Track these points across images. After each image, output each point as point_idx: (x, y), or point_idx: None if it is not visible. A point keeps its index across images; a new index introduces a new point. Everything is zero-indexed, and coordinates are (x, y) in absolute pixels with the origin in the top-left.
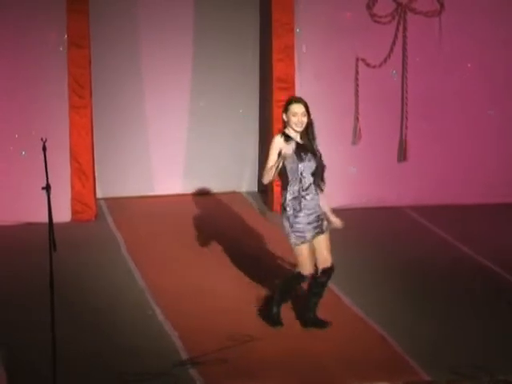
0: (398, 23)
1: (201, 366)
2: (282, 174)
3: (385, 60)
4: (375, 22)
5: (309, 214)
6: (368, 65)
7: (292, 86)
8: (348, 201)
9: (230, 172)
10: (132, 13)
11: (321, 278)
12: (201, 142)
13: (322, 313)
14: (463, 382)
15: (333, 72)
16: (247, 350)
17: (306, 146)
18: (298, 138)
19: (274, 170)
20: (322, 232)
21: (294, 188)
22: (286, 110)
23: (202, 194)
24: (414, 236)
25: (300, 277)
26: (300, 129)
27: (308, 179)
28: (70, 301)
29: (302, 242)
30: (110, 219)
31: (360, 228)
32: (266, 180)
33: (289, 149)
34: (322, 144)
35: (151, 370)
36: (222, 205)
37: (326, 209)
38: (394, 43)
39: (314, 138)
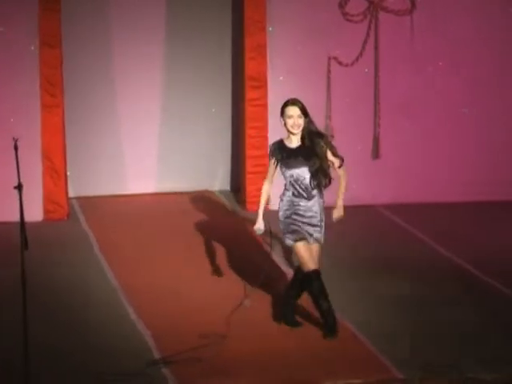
0: (370, 22)
1: (174, 366)
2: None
3: (357, 58)
4: (347, 20)
5: (304, 216)
6: (340, 63)
7: (264, 85)
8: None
9: (203, 171)
10: (104, 12)
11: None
12: (173, 141)
13: (295, 312)
14: (435, 380)
15: (305, 70)
16: (221, 349)
17: (301, 151)
18: (294, 142)
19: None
20: (317, 241)
21: (288, 193)
22: (281, 113)
23: (175, 192)
24: (388, 235)
25: (308, 275)
26: (297, 131)
27: (303, 184)
28: (42, 300)
29: (298, 240)
30: (82, 218)
31: (334, 226)
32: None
33: (280, 155)
34: None
35: (124, 369)
36: (194, 204)
37: (339, 199)
38: (365, 42)
39: (315, 138)
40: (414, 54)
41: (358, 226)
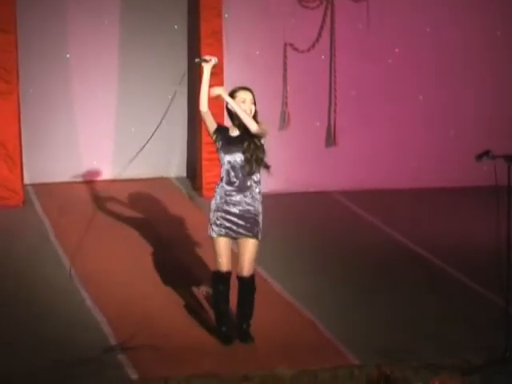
0: (326, 8)
1: (130, 352)
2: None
3: (313, 45)
4: (303, 6)
5: (230, 212)
6: (296, 49)
7: (220, 71)
8: (277, 186)
9: (159, 157)
10: None
11: (239, 286)
12: (129, 128)
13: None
14: (392, 366)
15: (261, 57)
16: (177, 336)
17: (239, 139)
18: (234, 131)
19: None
20: (248, 236)
21: (223, 183)
22: (232, 97)
23: (131, 179)
24: (343, 221)
25: (215, 274)
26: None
27: (238, 173)
28: None
29: (217, 235)
30: (37, 205)
31: (289, 213)
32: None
33: (219, 138)
34: None
35: (80, 356)
36: (150, 190)
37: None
38: (322, 28)
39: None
40: (370, 40)
41: (313, 212)
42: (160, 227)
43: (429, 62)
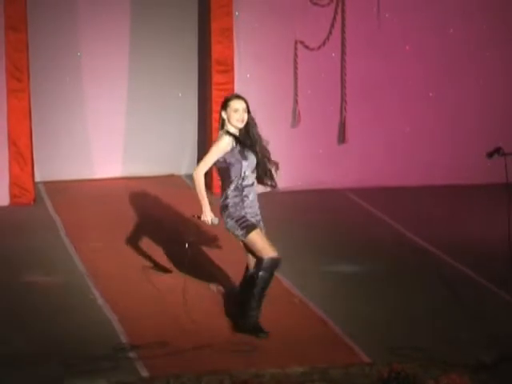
0: (337, 6)
1: (141, 350)
2: (223, 172)
3: (324, 43)
4: (314, 4)
5: (251, 211)
6: (307, 47)
7: (231, 69)
8: (288, 183)
9: (170, 155)
10: None
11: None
12: (140, 126)
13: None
14: (403, 364)
15: (272, 55)
16: (187, 333)
17: (247, 144)
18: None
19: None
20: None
21: (237, 187)
22: (225, 106)
23: (142, 177)
24: (354, 218)
25: (270, 261)
26: (241, 125)
27: (250, 177)
28: (7, 285)
29: (251, 229)
30: (48, 203)
31: (300, 210)
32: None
33: (236, 147)
34: (261, 127)
35: (91, 354)
36: (161, 188)
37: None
38: (332, 26)
39: (256, 133)
40: (380, 38)
41: (323, 209)
42: (171, 225)
43: (439, 59)
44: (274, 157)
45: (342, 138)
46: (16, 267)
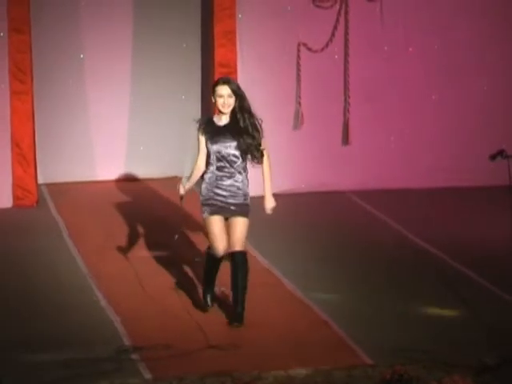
0: (340, 8)
1: (144, 351)
2: (208, 156)
3: (326, 45)
4: (317, 6)
5: (223, 194)
6: (310, 49)
7: (234, 71)
8: (291, 185)
9: (172, 157)
10: None
11: (231, 264)
12: (143, 128)
13: (264, 296)
14: (406, 366)
15: (275, 57)
16: (190, 335)
17: (228, 128)
18: (223, 120)
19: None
20: (238, 214)
21: (212, 169)
22: (213, 91)
23: (144, 179)
24: (356, 221)
25: (209, 254)
26: (227, 110)
27: (225, 162)
28: (11, 287)
29: (211, 214)
30: (51, 205)
31: (303, 213)
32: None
33: (207, 133)
34: (264, 129)
35: (94, 355)
36: (164, 190)
37: (266, 190)
38: (335, 28)
39: (247, 117)
40: (383, 39)
41: (327, 212)
42: (174, 227)
43: (442, 61)
44: (277, 159)
45: (345, 140)
46: (19, 269)
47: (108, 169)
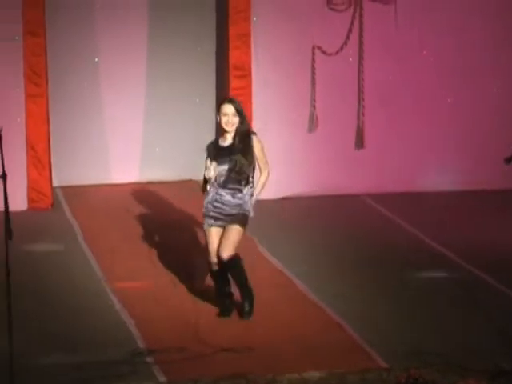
0: (355, 11)
1: (158, 354)
2: None
3: (341, 48)
4: (331, 9)
5: (220, 208)
6: (324, 52)
7: (249, 74)
8: (305, 188)
9: (187, 160)
10: (88, 1)
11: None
12: (158, 131)
13: (277, 298)
14: (421, 369)
15: (289, 60)
16: (204, 337)
17: (229, 149)
18: (226, 140)
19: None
20: (233, 222)
21: (215, 185)
22: (218, 110)
23: (159, 182)
24: (371, 224)
25: (208, 263)
26: (230, 129)
27: (223, 180)
28: (26, 290)
29: (208, 226)
30: (66, 207)
31: (317, 216)
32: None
33: (213, 151)
34: (279, 132)
35: (109, 358)
36: (178, 193)
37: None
38: (350, 31)
39: (240, 140)
40: (398, 42)
41: (341, 215)
42: (188, 230)
43: (457, 64)
44: (291, 162)
45: (359, 142)
46: (34, 271)
47: (123, 172)
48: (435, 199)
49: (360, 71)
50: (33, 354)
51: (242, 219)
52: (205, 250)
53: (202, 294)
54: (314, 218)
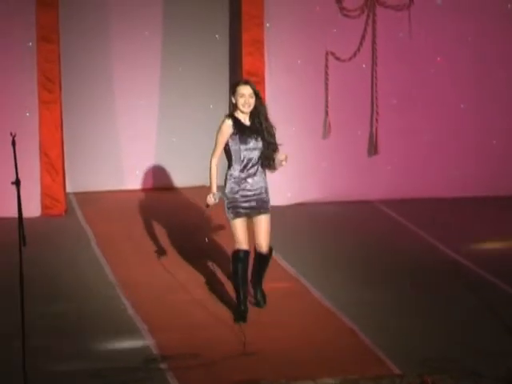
0: (368, 17)
1: (172, 361)
2: (226, 155)
3: (354, 54)
4: (344, 15)
5: (247, 195)
6: (338, 58)
7: (262, 80)
8: (319, 195)
9: (201, 166)
10: (102, 7)
11: (256, 260)
12: (170, 137)
13: (291, 304)
14: (434, 375)
15: (303, 66)
16: (218, 343)
17: (252, 129)
18: (246, 120)
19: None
20: (262, 212)
21: (236, 168)
22: (233, 92)
23: (172, 188)
24: (384, 230)
25: (237, 253)
26: (247, 110)
27: (252, 161)
28: (39, 296)
29: (236, 217)
30: (79, 214)
31: (330, 222)
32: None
33: (234, 131)
34: (292, 138)
35: (122, 364)
36: (191, 199)
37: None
38: (363, 37)
39: (264, 120)
40: (411, 49)
41: (354, 221)
42: (202, 236)
43: (470, 70)
44: (305, 168)
45: (373, 149)
46: (47, 277)
47: (136, 178)
48: (449, 205)
49: (373, 77)
50: (45, 361)
51: (267, 207)
52: (227, 243)
53: (216, 299)
54: (326, 224)
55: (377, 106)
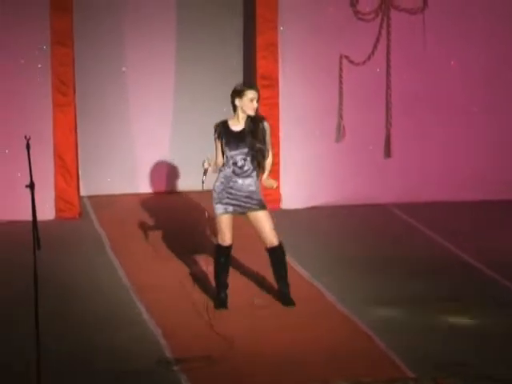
0: (382, 20)
1: (185, 364)
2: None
3: (368, 57)
4: (359, 19)
5: (235, 193)
6: (352, 62)
7: (276, 84)
8: (332, 198)
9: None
10: (115, 11)
11: (272, 257)
12: (184, 140)
13: (305, 309)
14: (448, 379)
15: (317, 69)
16: (231, 347)
17: (240, 133)
18: (241, 124)
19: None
20: (255, 209)
21: (227, 171)
22: (241, 95)
23: (186, 191)
24: (398, 233)
25: (220, 247)
26: (253, 113)
27: (238, 165)
28: (53, 299)
29: (223, 213)
30: (93, 217)
31: (345, 225)
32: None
33: (220, 135)
34: (306, 142)
35: (136, 368)
36: (205, 202)
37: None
38: (377, 40)
39: (255, 126)
40: (425, 53)
41: (370, 225)
42: (215, 239)
43: (484, 74)
44: (318, 171)
45: (387, 152)
46: (61, 281)
47: (150, 181)
48: (463, 209)
49: (387, 81)
50: (59, 364)
51: (263, 203)
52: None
53: (230, 303)
54: (340, 227)
55: (391, 109)
